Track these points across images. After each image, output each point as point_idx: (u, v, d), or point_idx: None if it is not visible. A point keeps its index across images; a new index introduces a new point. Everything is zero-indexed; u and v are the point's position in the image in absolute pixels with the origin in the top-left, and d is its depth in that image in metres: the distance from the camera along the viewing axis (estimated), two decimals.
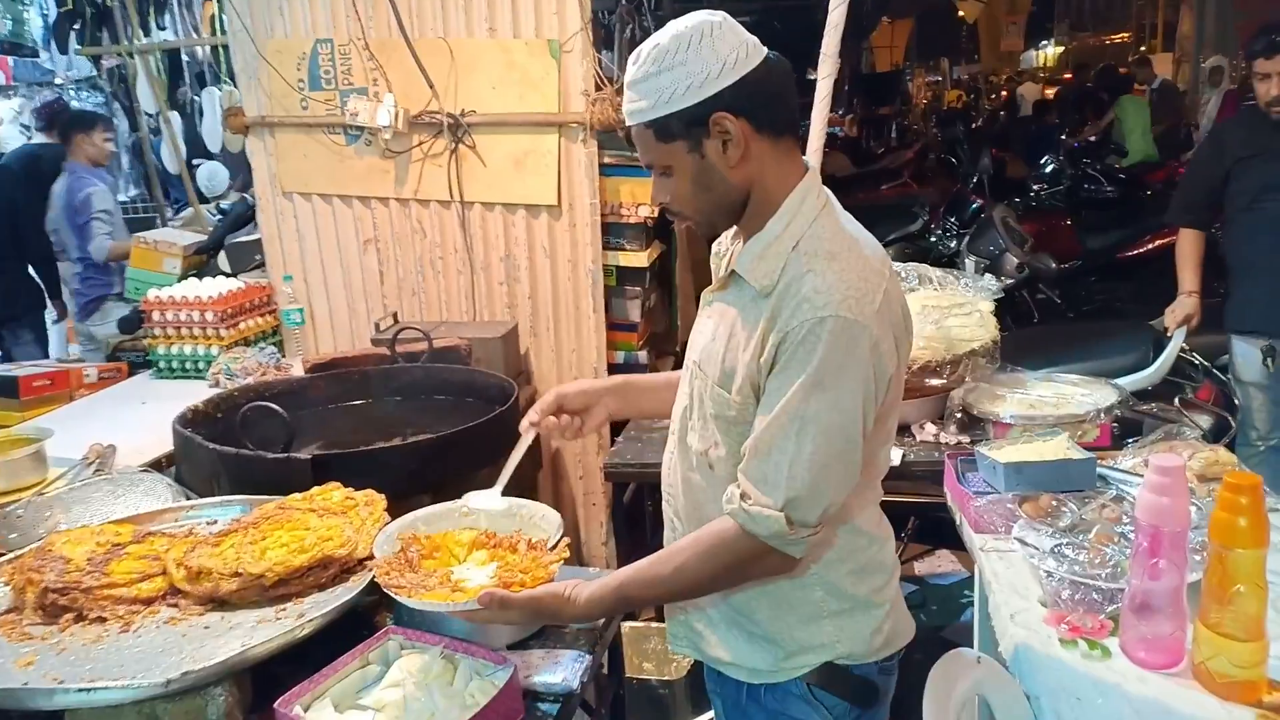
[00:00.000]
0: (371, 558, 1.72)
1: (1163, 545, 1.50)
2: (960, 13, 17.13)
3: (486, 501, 1.67)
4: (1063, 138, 7.90)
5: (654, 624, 2.88)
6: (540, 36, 3.26)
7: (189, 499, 2.16)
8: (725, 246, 1.56)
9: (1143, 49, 15.41)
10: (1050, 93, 14.43)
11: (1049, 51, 21.05)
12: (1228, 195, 3.34)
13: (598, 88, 3.27)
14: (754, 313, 1.37)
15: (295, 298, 3.68)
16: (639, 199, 3.38)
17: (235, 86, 5.03)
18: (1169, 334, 3.26)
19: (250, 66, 3.57)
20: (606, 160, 3.36)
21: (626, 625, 2.76)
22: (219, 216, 5.00)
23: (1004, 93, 16.59)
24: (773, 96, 1.36)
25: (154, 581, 1.69)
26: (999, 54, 18.72)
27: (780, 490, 1.31)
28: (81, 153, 4.93)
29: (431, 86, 3.35)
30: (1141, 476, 2.14)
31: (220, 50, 4.97)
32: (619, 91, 3.24)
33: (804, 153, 2.32)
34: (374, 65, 3.41)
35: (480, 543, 1.63)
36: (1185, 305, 3.30)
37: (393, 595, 1.46)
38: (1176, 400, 3.13)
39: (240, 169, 5.89)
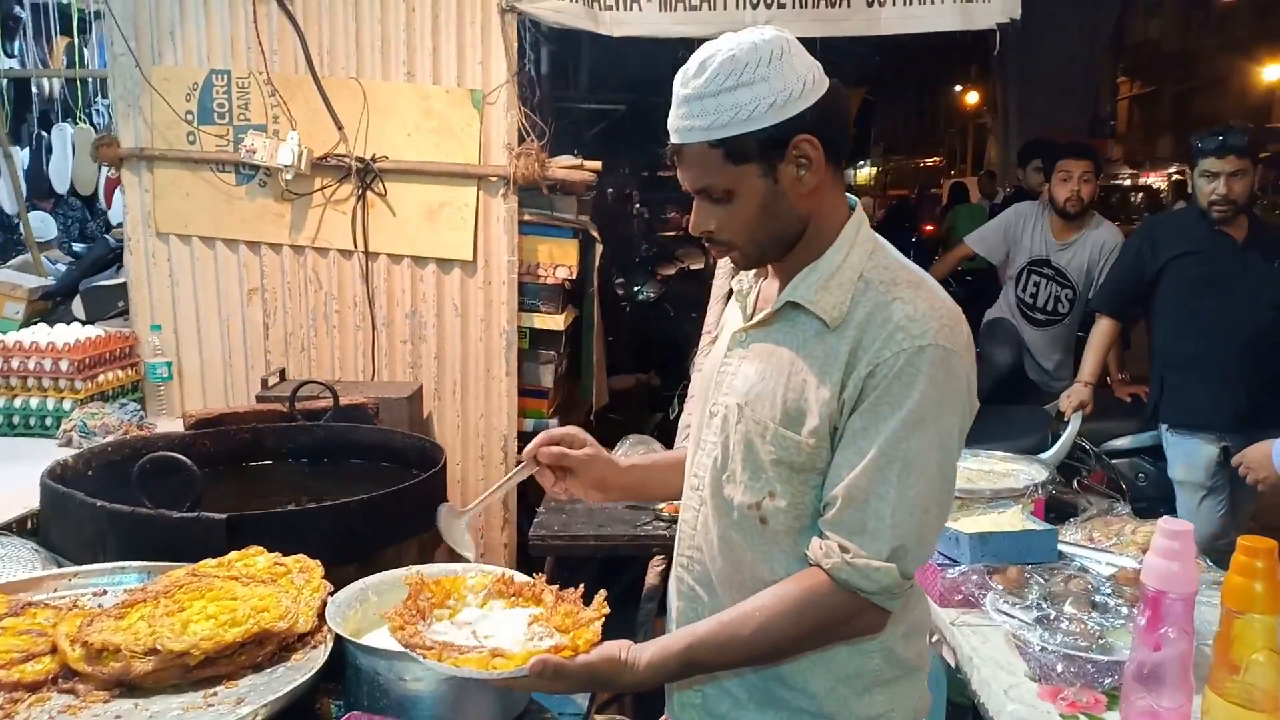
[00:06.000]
0: (319, 630, 1.48)
1: (1171, 612, 1.46)
2: None
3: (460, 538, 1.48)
4: (913, 240, 8.36)
5: None
6: (463, 85, 3.14)
7: (61, 566, 1.82)
8: (748, 284, 1.43)
9: (953, 172, 16.83)
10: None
11: (865, 171, 22.57)
12: (1160, 290, 3.30)
13: (521, 141, 3.16)
14: (819, 348, 1.25)
15: (163, 349, 3.30)
16: (557, 260, 3.25)
17: (91, 123, 4.63)
18: (1066, 418, 3.36)
19: (131, 94, 3.24)
20: (526, 218, 3.23)
21: None
22: (64, 265, 4.51)
23: None
24: (843, 124, 1.28)
25: (41, 662, 1.40)
26: None
27: (884, 540, 1.19)
28: None
29: (340, 128, 3.14)
30: (1093, 549, 2.18)
31: (77, 84, 4.55)
32: (543, 148, 3.15)
33: None
34: (276, 101, 3.18)
35: (498, 591, 1.39)
36: (1080, 393, 3.40)
37: (418, 659, 1.20)
38: (1075, 482, 3.21)
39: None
